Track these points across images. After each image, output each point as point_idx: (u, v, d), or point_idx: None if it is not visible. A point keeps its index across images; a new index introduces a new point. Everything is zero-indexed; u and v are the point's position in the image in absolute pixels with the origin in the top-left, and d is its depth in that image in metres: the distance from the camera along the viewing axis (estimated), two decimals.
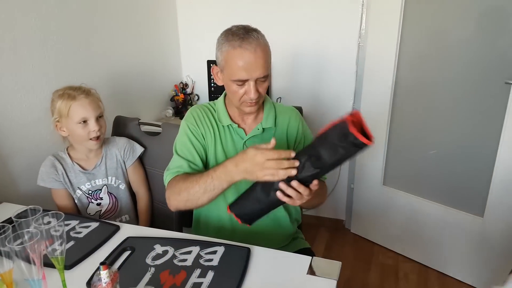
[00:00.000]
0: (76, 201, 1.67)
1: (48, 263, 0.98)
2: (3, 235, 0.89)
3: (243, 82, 1.32)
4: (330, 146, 1.07)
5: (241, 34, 1.29)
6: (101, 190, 1.71)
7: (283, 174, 1.10)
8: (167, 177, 1.42)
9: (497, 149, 2.03)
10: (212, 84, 2.83)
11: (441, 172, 2.31)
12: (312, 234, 2.87)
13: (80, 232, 1.32)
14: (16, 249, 0.85)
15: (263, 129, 1.48)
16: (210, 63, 2.78)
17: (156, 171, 1.81)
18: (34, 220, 0.97)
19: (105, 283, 0.85)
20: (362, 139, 1.02)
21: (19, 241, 0.89)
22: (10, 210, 1.40)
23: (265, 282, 1.09)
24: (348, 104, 2.63)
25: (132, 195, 1.82)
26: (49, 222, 0.97)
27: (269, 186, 1.16)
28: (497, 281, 2.17)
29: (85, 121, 1.56)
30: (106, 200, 1.73)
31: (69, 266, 1.14)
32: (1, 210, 1.49)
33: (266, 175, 1.12)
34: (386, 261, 2.57)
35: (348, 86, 2.60)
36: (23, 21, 1.71)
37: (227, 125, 1.47)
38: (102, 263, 0.85)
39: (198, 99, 3.03)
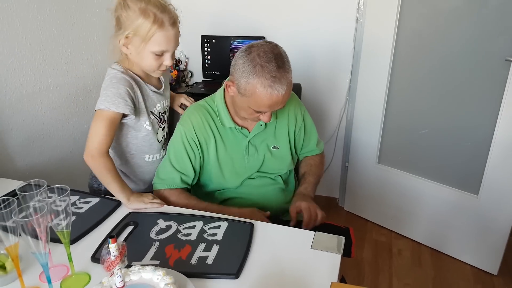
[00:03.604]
0: (147, 129, 1.46)
1: (51, 238, 0.97)
2: (8, 209, 0.87)
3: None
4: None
5: (273, 71, 1.23)
6: (165, 112, 1.55)
7: None
8: (158, 185, 1.46)
9: (495, 127, 2.03)
10: (206, 61, 2.80)
11: (437, 150, 2.33)
12: None
13: (81, 208, 1.31)
14: (23, 223, 0.84)
15: (266, 124, 1.48)
16: (204, 38, 2.74)
17: None
18: (38, 194, 0.96)
19: (114, 256, 0.84)
20: (353, 247, 1.33)
21: (22, 215, 0.87)
22: (7, 185, 1.40)
23: (270, 256, 1.10)
24: (345, 81, 2.62)
25: None
26: (50, 197, 0.95)
27: None
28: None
29: (161, 54, 1.34)
30: (166, 125, 1.58)
31: (72, 240, 1.13)
32: None
33: None
34: (380, 238, 2.59)
35: (346, 63, 2.58)
36: None
37: (230, 127, 1.47)
38: (111, 236, 0.84)
39: (191, 76, 2.99)
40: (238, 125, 1.47)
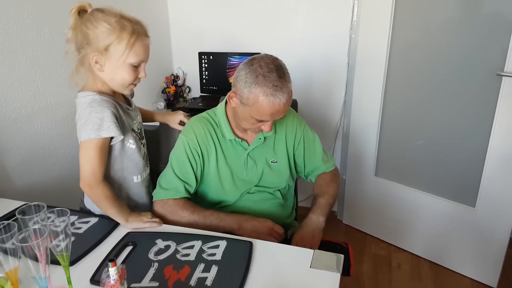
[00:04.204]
0: (131, 147, 1.42)
1: (50, 259, 0.97)
2: (9, 233, 0.87)
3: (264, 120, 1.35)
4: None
5: (275, 80, 1.26)
6: (141, 128, 1.53)
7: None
8: (161, 195, 1.45)
9: (488, 140, 2.05)
10: (204, 76, 2.82)
11: (433, 163, 2.34)
12: None
13: (79, 228, 1.31)
14: (23, 247, 0.84)
15: (265, 138, 1.50)
16: (202, 54, 2.77)
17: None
18: (37, 216, 0.96)
19: (114, 280, 0.85)
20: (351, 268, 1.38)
21: (21, 236, 0.87)
22: (6, 206, 1.39)
23: (270, 275, 1.10)
24: (340, 96, 2.64)
25: None
26: (49, 218, 0.96)
27: None
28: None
29: (137, 65, 1.31)
30: (145, 141, 1.55)
31: (71, 262, 1.13)
32: None
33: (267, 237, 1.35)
34: (379, 252, 2.59)
35: (340, 77, 2.61)
36: (16, 13, 1.67)
37: (230, 139, 1.49)
38: (110, 260, 0.84)
39: (189, 91, 3.01)
40: (238, 137, 1.49)
